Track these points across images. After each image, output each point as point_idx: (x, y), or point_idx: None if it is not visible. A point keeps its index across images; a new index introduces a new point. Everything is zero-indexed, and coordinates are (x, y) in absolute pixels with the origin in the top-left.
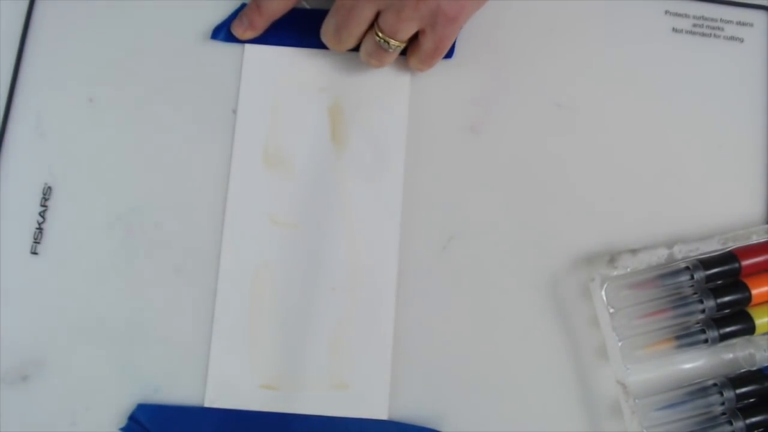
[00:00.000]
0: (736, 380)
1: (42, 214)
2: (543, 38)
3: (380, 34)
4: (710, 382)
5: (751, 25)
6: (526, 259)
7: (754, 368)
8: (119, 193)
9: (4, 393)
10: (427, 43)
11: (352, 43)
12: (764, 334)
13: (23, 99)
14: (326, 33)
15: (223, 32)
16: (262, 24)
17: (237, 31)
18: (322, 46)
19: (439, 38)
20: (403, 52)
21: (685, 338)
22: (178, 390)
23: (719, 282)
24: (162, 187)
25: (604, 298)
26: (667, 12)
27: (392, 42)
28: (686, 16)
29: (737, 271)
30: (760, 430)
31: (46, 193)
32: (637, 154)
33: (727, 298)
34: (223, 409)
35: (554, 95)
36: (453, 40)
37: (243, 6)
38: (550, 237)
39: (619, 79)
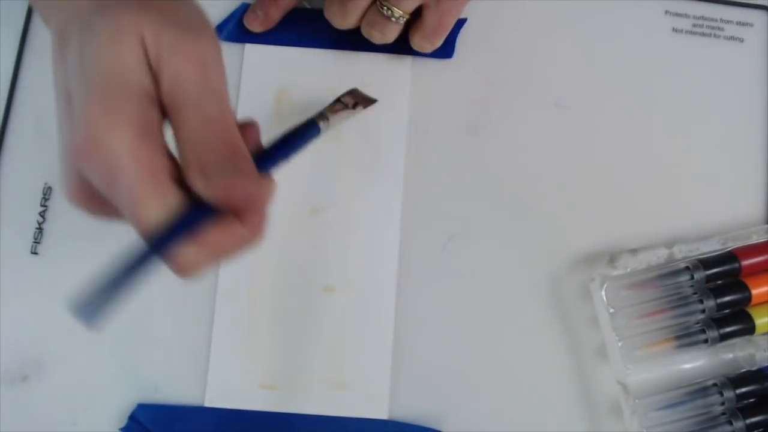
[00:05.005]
0: (736, 380)
1: (42, 214)
2: (543, 38)
3: (384, 3)
4: (710, 382)
5: (751, 25)
6: (526, 259)
7: (754, 368)
8: None
9: (4, 393)
10: (431, 17)
11: (355, 17)
12: (764, 334)
13: (23, 98)
14: (330, 7)
15: (225, 31)
16: (277, 16)
17: (252, 24)
18: (322, 45)
19: (443, 12)
20: (407, 50)
21: (685, 338)
22: (178, 390)
23: (719, 282)
24: None
25: (604, 298)
26: (667, 12)
27: (396, 10)
28: (686, 16)
29: (737, 271)
30: (760, 430)
31: (46, 193)
32: (637, 154)
33: (727, 298)
34: (223, 409)
35: (554, 95)
36: (456, 17)
37: (243, 5)
38: (550, 237)
39: (619, 79)
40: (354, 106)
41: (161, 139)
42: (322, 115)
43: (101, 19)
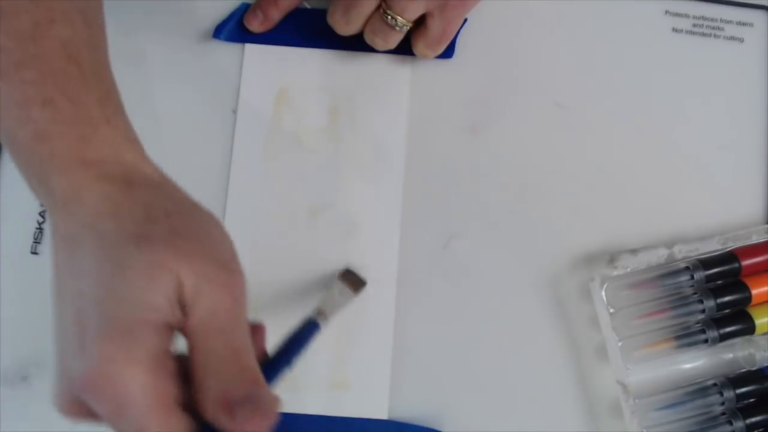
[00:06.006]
0: (736, 380)
1: (42, 214)
2: (543, 38)
3: (388, 11)
4: (710, 382)
5: (751, 25)
6: (526, 259)
7: (754, 368)
8: None
9: (4, 393)
10: (434, 26)
11: (359, 25)
12: (764, 334)
13: None
14: (334, 14)
15: (225, 31)
16: (277, 17)
17: (252, 24)
18: (322, 45)
19: (447, 21)
20: (409, 48)
21: (685, 338)
22: None
23: (719, 282)
24: None
25: (604, 298)
26: (667, 12)
27: (400, 19)
28: (686, 16)
29: (737, 271)
30: (760, 430)
31: None
32: (637, 154)
33: (727, 298)
34: None
35: (554, 95)
36: (460, 25)
37: (243, 5)
38: (550, 237)
39: (619, 79)
40: (345, 292)
41: (171, 364)
42: (320, 312)
43: (137, 253)
